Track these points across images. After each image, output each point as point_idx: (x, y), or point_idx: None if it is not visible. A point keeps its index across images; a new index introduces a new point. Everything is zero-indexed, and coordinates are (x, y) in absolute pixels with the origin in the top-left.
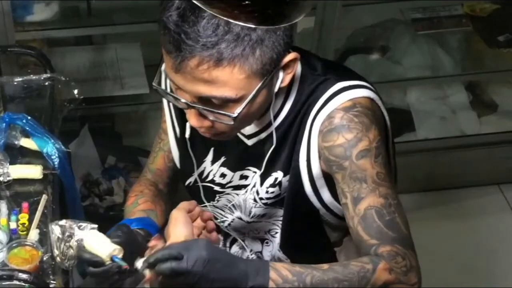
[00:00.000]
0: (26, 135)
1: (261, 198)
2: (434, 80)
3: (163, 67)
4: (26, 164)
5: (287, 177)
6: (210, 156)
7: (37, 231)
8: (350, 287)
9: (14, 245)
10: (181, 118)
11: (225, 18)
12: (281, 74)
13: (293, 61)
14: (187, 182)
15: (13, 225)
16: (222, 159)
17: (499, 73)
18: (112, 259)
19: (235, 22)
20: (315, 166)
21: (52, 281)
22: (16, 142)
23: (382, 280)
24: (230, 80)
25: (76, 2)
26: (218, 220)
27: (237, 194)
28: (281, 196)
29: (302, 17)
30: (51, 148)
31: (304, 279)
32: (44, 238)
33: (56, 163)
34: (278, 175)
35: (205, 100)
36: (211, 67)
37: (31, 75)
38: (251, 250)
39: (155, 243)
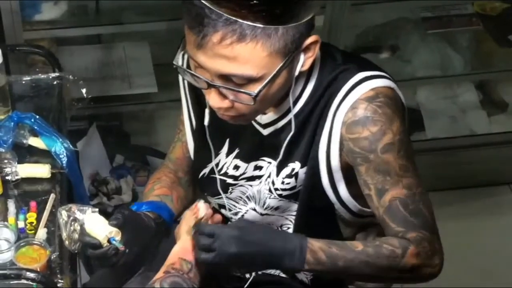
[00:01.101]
0: (34, 134)
1: (276, 189)
2: (444, 79)
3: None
4: (34, 163)
5: (304, 168)
6: (225, 149)
7: (45, 230)
8: (380, 269)
9: (22, 244)
10: (198, 109)
11: (233, 18)
12: (302, 57)
13: (314, 43)
14: (201, 173)
15: (21, 224)
16: (236, 151)
17: (509, 72)
18: (109, 241)
19: (243, 21)
20: (334, 158)
21: (60, 280)
22: (24, 141)
23: (410, 264)
24: (252, 58)
25: (85, 1)
26: (232, 212)
27: (251, 186)
28: (296, 189)
29: (310, 16)
30: (59, 147)
31: (336, 262)
32: (52, 237)
33: (64, 162)
34: (296, 165)
35: (225, 79)
36: (233, 43)
37: (40, 74)
38: None
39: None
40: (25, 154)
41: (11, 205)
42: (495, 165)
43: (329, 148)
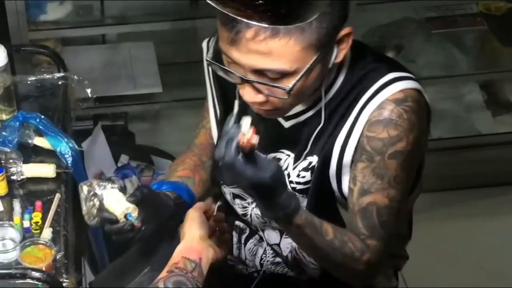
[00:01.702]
0: (40, 134)
1: (291, 182)
2: (449, 79)
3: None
4: (40, 163)
5: (318, 158)
6: None
7: (50, 229)
8: (333, 260)
9: (27, 243)
10: (223, 98)
11: (238, 18)
12: (335, 49)
13: (347, 35)
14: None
15: (26, 223)
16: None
17: None
18: (126, 217)
19: (249, 22)
20: (348, 153)
21: (65, 280)
22: (29, 141)
23: (357, 268)
24: (285, 52)
25: (90, 1)
26: (246, 201)
27: None
28: (309, 184)
29: (315, 16)
30: (64, 147)
31: (304, 237)
32: (57, 236)
33: (69, 162)
34: (313, 159)
35: (259, 73)
36: (267, 38)
37: (45, 74)
38: (267, 244)
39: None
40: (30, 154)
41: (17, 205)
42: (500, 165)
43: (346, 143)
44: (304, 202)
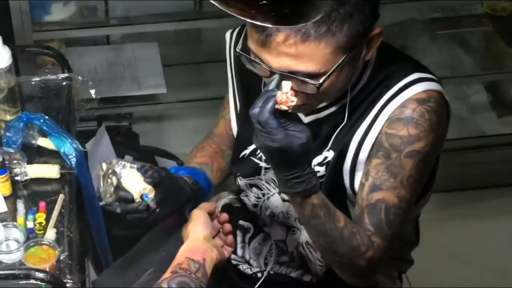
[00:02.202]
0: (44, 134)
1: None
2: (454, 80)
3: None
4: (44, 163)
5: (334, 154)
6: None
7: (54, 230)
8: (338, 250)
9: (31, 244)
10: (244, 91)
11: (242, 18)
12: (365, 48)
13: (378, 35)
14: (242, 154)
15: (30, 224)
16: None
17: None
18: (142, 197)
19: (252, 22)
20: (365, 150)
21: (68, 280)
22: (33, 142)
23: (359, 263)
24: (315, 55)
25: (94, 1)
26: (262, 191)
27: None
28: (322, 179)
29: (319, 16)
30: (68, 148)
31: (323, 222)
32: (61, 237)
33: (73, 162)
34: (329, 154)
35: (288, 73)
36: (297, 42)
37: (49, 75)
38: (274, 240)
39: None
40: (34, 154)
41: (20, 206)
42: (505, 166)
43: (364, 138)
44: None
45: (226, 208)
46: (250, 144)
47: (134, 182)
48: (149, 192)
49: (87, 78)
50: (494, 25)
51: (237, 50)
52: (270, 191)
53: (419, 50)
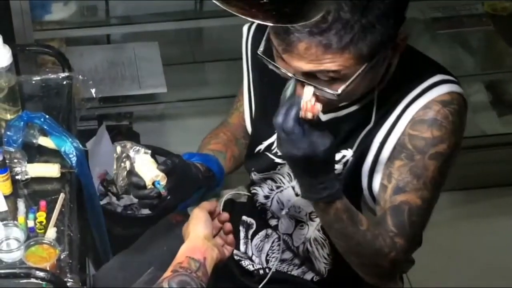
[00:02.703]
0: (44, 133)
1: None
2: None
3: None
4: (44, 162)
5: (353, 153)
6: None
7: (55, 229)
8: (361, 253)
9: (31, 243)
10: (260, 86)
11: (242, 16)
12: (389, 53)
13: (403, 40)
14: (257, 149)
15: (30, 223)
16: None
17: None
18: (154, 184)
19: (253, 20)
20: (386, 151)
21: (69, 279)
22: (34, 141)
23: (382, 264)
24: (337, 61)
25: (94, 1)
26: (276, 184)
27: None
28: (341, 176)
29: (319, 16)
30: (69, 147)
31: (346, 225)
32: (61, 236)
33: (73, 161)
34: (348, 153)
35: (309, 75)
36: (319, 51)
37: (49, 74)
38: (280, 234)
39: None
40: (35, 153)
41: (21, 205)
42: (505, 166)
43: (386, 139)
44: None
45: (228, 203)
46: (265, 139)
47: (147, 168)
48: (161, 179)
49: (88, 77)
50: (494, 24)
51: (258, 52)
52: (284, 184)
53: (420, 49)
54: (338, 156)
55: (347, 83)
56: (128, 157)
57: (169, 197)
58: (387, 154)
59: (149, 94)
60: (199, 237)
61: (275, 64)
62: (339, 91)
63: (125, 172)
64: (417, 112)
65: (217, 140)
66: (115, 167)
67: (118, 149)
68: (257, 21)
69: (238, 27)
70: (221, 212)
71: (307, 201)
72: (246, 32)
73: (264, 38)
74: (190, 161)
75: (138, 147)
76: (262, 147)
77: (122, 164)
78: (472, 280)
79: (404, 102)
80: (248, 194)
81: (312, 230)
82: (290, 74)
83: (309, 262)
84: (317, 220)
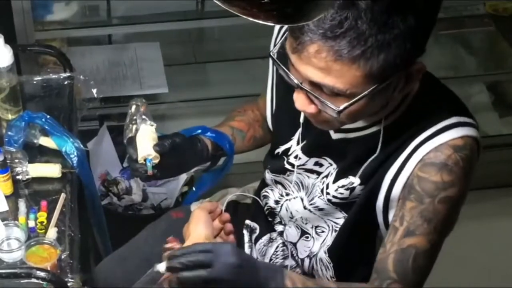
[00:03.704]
0: (45, 133)
1: (328, 193)
2: (456, 80)
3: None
4: (45, 162)
5: (363, 186)
6: (297, 135)
7: (56, 229)
8: None
9: (32, 243)
10: (283, 88)
11: (244, 16)
12: (402, 82)
13: (418, 71)
14: (276, 151)
15: (31, 223)
16: (303, 142)
17: None
18: (145, 161)
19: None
20: (397, 188)
21: (70, 280)
22: (35, 141)
23: None
24: (345, 75)
25: (96, 1)
26: (286, 190)
27: (308, 177)
28: (347, 200)
29: (321, 15)
30: (70, 147)
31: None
32: (62, 236)
33: (74, 162)
34: (355, 180)
35: (315, 85)
36: (328, 58)
37: (51, 74)
38: (285, 241)
39: (171, 245)
40: (36, 153)
41: (22, 205)
42: (507, 167)
43: (397, 176)
44: (337, 213)
45: (232, 203)
46: (282, 144)
47: (145, 142)
48: (154, 158)
49: (89, 77)
50: (496, 25)
51: (271, 53)
52: (293, 193)
53: None
54: (345, 182)
55: (351, 102)
56: (136, 121)
57: (157, 174)
58: (398, 192)
59: (150, 95)
60: (200, 237)
61: (284, 68)
62: (341, 107)
63: (130, 132)
64: (428, 153)
65: (242, 118)
66: (127, 121)
67: (133, 107)
68: (258, 21)
69: (239, 28)
70: (222, 212)
71: (313, 214)
72: (277, 32)
73: (280, 40)
74: (199, 136)
75: (146, 117)
76: (280, 150)
77: (130, 125)
78: (472, 280)
79: (416, 141)
80: (254, 197)
81: (318, 245)
82: (296, 81)
83: (312, 276)
84: (323, 235)
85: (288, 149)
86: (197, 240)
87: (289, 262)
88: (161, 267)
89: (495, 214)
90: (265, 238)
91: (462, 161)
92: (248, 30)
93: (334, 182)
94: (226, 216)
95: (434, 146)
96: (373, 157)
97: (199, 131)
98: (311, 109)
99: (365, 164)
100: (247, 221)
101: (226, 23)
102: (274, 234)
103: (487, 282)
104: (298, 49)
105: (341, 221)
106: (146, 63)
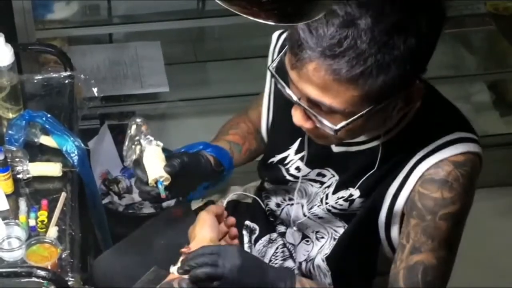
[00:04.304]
0: (46, 132)
1: (327, 203)
2: (457, 79)
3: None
4: (46, 161)
5: (363, 199)
6: (295, 145)
7: (56, 228)
8: None
9: (32, 242)
10: (280, 98)
11: (244, 15)
12: (400, 102)
13: (418, 94)
14: (270, 160)
15: (32, 222)
16: (303, 153)
17: None
18: (156, 183)
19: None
20: (399, 203)
21: (70, 278)
22: (35, 140)
23: None
24: (342, 94)
25: (97, 0)
26: (289, 195)
27: (312, 185)
28: (346, 211)
29: (322, 15)
30: (71, 146)
31: None
32: (63, 235)
33: (75, 160)
34: (355, 192)
35: (313, 102)
36: (326, 77)
37: (51, 73)
38: (286, 242)
39: (186, 249)
40: (37, 152)
41: (23, 204)
42: (507, 166)
43: (399, 191)
44: (337, 222)
45: (232, 202)
46: (279, 153)
47: (155, 163)
48: (165, 180)
49: (90, 76)
50: (497, 24)
51: (270, 68)
52: (293, 199)
53: None
54: (344, 193)
55: (348, 121)
56: (139, 142)
57: (168, 196)
58: (400, 207)
59: (151, 93)
60: (205, 240)
61: (282, 83)
62: (338, 126)
63: (134, 156)
64: (428, 169)
65: (236, 131)
66: (126, 144)
67: (133, 128)
68: (258, 20)
69: (240, 27)
70: (228, 216)
71: (313, 221)
72: (275, 40)
73: (280, 54)
74: (202, 152)
75: (151, 138)
76: (275, 159)
77: (133, 146)
78: (472, 280)
79: (417, 156)
80: (254, 197)
81: (317, 250)
82: (295, 98)
83: (310, 279)
84: (323, 241)
85: (284, 158)
86: (202, 242)
87: (289, 263)
88: (174, 269)
89: (495, 213)
90: (264, 239)
91: (463, 178)
92: (248, 29)
93: (333, 193)
94: (232, 220)
95: (435, 162)
96: (371, 171)
97: (201, 147)
98: (309, 124)
99: (365, 177)
100: (247, 222)
101: (226, 22)
102: (274, 235)
103: (486, 281)
104: (297, 66)
105: (341, 230)
106: (146, 62)
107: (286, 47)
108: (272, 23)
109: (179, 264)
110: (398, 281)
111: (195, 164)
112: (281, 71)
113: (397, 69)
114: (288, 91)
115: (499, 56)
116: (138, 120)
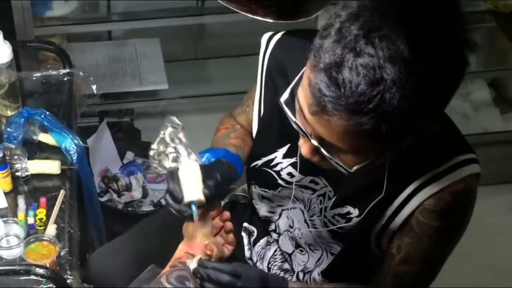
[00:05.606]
0: (45, 130)
1: (325, 216)
2: None
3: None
4: (44, 159)
5: (360, 218)
6: (284, 150)
7: (55, 226)
8: None
9: (31, 240)
10: (270, 100)
11: (243, 13)
12: (411, 139)
13: (424, 128)
14: (254, 163)
15: (30, 220)
16: (294, 159)
17: None
18: (190, 205)
19: (253, 17)
20: (395, 223)
21: (69, 276)
22: (34, 137)
23: None
24: (356, 144)
25: None
26: (275, 203)
27: (303, 192)
28: (342, 230)
29: (319, 13)
30: (69, 143)
31: None
32: (61, 233)
33: (74, 158)
34: (354, 211)
35: (326, 141)
36: (349, 128)
37: (50, 71)
38: (280, 249)
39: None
40: (35, 150)
41: (21, 201)
42: (507, 163)
43: (397, 213)
44: (330, 238)
45: (229, 205)
46: (264, 156)
47: (192, 183)
48: (199, 203)
49: (89, 73)
50: (497, 21)
51: (280, 100)
52: (286, 205)
53: None
54: (342, 211)
55: (363, 164)
56: (175, 149)
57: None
58: (395, 227)
59: (150, 91)
60: (199, 234)
61: (294, 119)
62: (353, 169)
63: (166, 162)
64: (428, 199)
65: (236, 134)
66: (155, 143)
67: (168, 130)
68: (257, 18)
69: (239, 24)
70: (222, 211)
71: (309, 233)
72: (265, 44)
73: (290, 86)
74: (225, 161)
75: (189, 149)
76: (259, 162)
77: (166, 150)
78: (472, 279)
79: (417, 182)
80: (250, 197)
81: (313, 263)
82: (307, 134)
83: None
84: (318, 253)
85: (271, 160)
86: (195, 237)
87: (287, 265)
88: (192, 264)
89: (495, 210)
90: (262, 241)
91: (462, 207)
92: (248, 26)
93: (332, 208)
94: (227, 214)
95: (435, 191)
96: (379, 197)
97: (222, 154)
98: (316, 158)
99: (367, 199)
100: (245, 224)
101: (226, 19)
102: (271, 238)
103: (487, 280)
104: (317, 112)
105: (334, 245)
106: (146, 59)
107: (296, 78)
108: (271, 21)
109: (195, 262)
110: (387, 283)
111: (226, 179)
112: (291, 103)
113: (419, 121)
114: (299, 124)
115: (500, 53)
116: (177, 123)
